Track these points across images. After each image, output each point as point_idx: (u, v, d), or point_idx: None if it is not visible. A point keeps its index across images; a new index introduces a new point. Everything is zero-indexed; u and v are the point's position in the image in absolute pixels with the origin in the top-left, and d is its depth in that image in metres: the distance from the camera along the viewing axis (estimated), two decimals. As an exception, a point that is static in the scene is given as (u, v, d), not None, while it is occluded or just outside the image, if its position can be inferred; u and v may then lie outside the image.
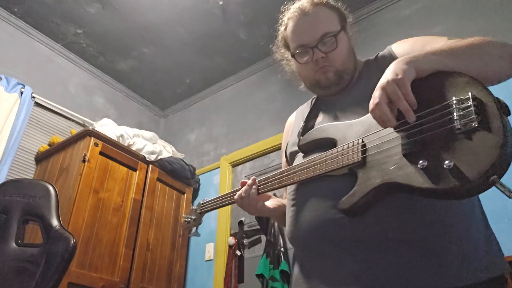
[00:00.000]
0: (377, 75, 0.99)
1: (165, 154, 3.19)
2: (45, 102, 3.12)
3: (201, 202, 1.36)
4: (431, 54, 0.81)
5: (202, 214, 1.36)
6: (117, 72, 3.74)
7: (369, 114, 0.86)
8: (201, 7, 3.07)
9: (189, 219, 1.37)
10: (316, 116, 1.12)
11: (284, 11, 1.15)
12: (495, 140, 0.64)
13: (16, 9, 3.09)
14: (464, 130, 0.68)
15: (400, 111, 0.76)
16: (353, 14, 3.15)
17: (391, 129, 0.81)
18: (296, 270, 0.98)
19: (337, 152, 0.90)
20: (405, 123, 0.77)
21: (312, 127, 1.08)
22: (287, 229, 1.01)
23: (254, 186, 1.10)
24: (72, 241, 1.39)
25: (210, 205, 1.32)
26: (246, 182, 1.12)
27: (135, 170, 2.90)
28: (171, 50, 3.48)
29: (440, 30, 2.60)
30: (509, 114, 0.70)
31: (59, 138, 3.02)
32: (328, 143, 0.96)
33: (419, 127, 0.75)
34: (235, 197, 1.12)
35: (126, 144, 2.98)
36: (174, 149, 3.42)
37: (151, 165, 3.04)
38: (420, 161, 0.71)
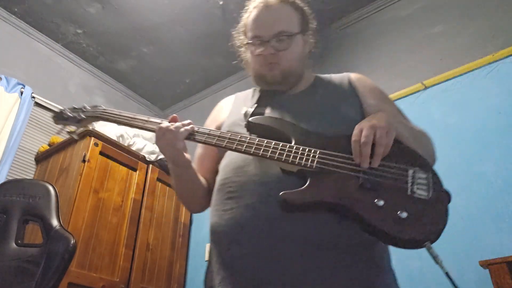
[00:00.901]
0: (335, 92, 1.08)
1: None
2: (45, 102, 3.12)
3: (101, 107, 1.15)
4: (408, 129, 0.95)
5: (95, 119, 1.15)
6: (117, 72, 3.74)
7: (333, 135, 0.93)
8: (201, 7, 3.07)
9: (73, 115, 1.14)
10: (265, 107, 1.08)
11: None
12: (439, 219, 0.79)
13: (16, 9, 3.09)
14: (415, 196, 0.80)
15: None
16: (353, 13, 3.19)
17: (351, 158, 0.86)
18: (219, 269, 0.90)
19: (293, 149, 0.89)
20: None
21: (261, 114, 1.04)
22: (219, 222, 0.93)
23: (188, 127, 1.00)
24: (72, 241, 1.39)
25: (111, 115, 1.11)
26: (176, 118, 1.03)
27: (135, 170, 2.90)
28: (171, 50, 3.48)
29: (440, 29, 2.60)
30: (449, 201, 0.82)
31: (59, 138, 3.01)
32: (281, 139, 0.93)
33: (379, 171, 0.83)
34: (161, 125, 0.99)
35: (126, 144, 2.98)
36: (174, 149, 3.42)
37: (151, 165, 3.03)
38: (377, 199, 0.79)
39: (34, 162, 2.96)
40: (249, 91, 1.22)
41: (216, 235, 0.95)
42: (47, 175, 2.77)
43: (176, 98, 4.08)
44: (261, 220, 0.86)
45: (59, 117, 1.19)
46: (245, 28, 1.14)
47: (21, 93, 2.90)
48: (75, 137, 1.21)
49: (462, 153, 2.11)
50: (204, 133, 0.99)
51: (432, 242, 0.76)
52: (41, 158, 2.95)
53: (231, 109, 1.18)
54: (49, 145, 3.01)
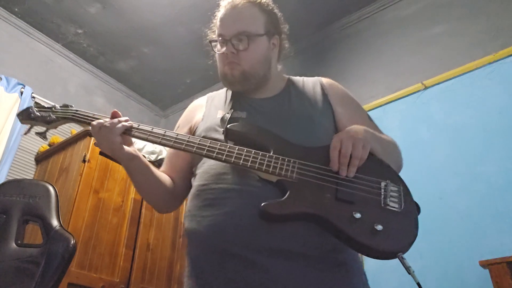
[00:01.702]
0: (309, 99, 1.09)
1: (165, 154, 3.18)
2: (45, 102, 3.12)
3: (72, 108, 1.10)
4: (379, 142, 0.97)
5: (66, 120, 1.09)
6: (117, 72, 3.74)
7: (310, 145, 0.94)
8: (201, 6, 3.07)
9: (42, 115, 1.09)
10: (239, 111, 1.07)
11: None
12: (411, 231, 0.82)
13: (16, 9, 3.09)
14: (388, 208, 0.83)
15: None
16: (355, 13, 3.18)
17: (328, 170, 0.88)
18: (194, 275, 0.91)
19: (273, 159, 0.89)
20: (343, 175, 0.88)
21: (237, 120, 1.03)
22: (197, 228, 0.92)
23: (125, 123, 0.98)
24: (72, 241, 1.39)
25: (84, 118, 1.05)
26: (117, 114, 1.01)
27: (135, 170, 2.89)
28: (171, 50, 3.48)
29: (440, 30, 2.60)
30: (419, 213, 0.86)
31: (59, 138, 3.02)
32: (259, 147, 0.92)
33: (355, 184, 0.86)
34: (94, 122, 0.98)
35: (126, 144, 2.97)
36: (174, 149, 3.42)
37: (151, 165, 3.03)
38: (354, 212, 0.81)
39: (34, 162, 2.96)
40: (222, 92, 1.21)
41: (193, 240, 0.95)
42: (47, 175, 2.77)
43: (176, 98, 4.08)
44: (241, 229, 0.86)
45: (26, 116, 1.10)
46: (215, 26, 1.14)
47: (21, 93, 2.90)
48: (44, 139, 1.15)
49: (463, 153, 2.11)
50: (151, 132, 0.98)
51: (404, 253, 0.80)
52: (41, 158, 2.95)
53: (205, 111, 1.15)
54: (49, 145, 3.01)
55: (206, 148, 0.93)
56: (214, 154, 0.92)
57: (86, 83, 3.59)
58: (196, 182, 1.01)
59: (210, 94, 1.24)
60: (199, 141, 0.95)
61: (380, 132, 1.08)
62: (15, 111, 2.82)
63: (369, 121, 1.10)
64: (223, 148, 0.92)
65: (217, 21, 1.12)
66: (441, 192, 2.04)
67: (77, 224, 2.37)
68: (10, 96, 2.82)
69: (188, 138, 0.96)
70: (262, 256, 0.84)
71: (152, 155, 3.05)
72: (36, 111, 1.10)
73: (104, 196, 2.60)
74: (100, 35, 3.34)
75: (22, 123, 1.12)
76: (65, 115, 1.08)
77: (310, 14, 3.09)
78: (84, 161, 2.54)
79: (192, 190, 1.02)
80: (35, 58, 3.25)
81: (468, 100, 2.25)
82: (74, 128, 3.22)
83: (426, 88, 2.43)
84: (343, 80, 2.68)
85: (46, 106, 1.12)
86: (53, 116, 1.09)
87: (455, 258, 1.86)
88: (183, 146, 0.95)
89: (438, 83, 2.40)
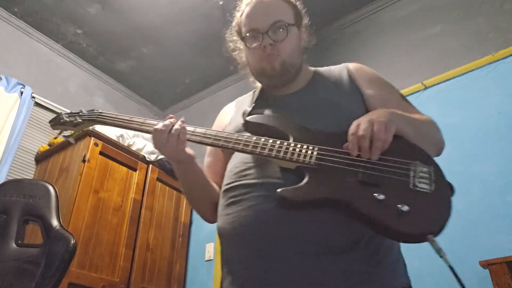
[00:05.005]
0: (335, 87, 1.07)
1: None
2: (45, 102, 3.12)
3: (97, 111, 1.16)
4: (409, 122, 0.92)
5: (91, 122, 1.14)
6: (116, 72, 3.74)
7: (332, 131, 0.92)
8: (201, 7, 3.07)
9: (70, 120, 1.17)
10: (264, 108, 1.07)
11: None
12: (443, 212, 0.77)
13: (16, 9, 3.09)
14: (417, 189, 0.78)
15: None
16: (353, 14, 3.18)
17: (348, 154, 0.85)
18: (227, 272, 0.91)
19: (291, 146, 0.88)
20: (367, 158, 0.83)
21: (257, 113, 1.04)
22: (224, 226, 0.94)
23: (182, 124, 0.99)
24: (72, 241, 1.39)
25: (108, 118, 1.11)
26: (173, 118, 1.02)
27: (135, 170, 2.90)
28: (170, 50, 3.48)
29: (439, 30, 2.60)
30: (453, 194, 0.81)
31: (59, 138, 3.01)
32: (280, 137, 0.92)
33: (380, 166, 0.82)
34: (156, 126, 0.99)
35: (126, 144, 2.98)
36: (174, 149, 3.42)
37: (151, 165, 3.03)
38: (377, 194, 0.77)
39: (34, 162, 2.96)
40: (249, 94, 1.21)
41: (222, 239, 0.95)
42: (47, 175, 2.77)
43: (175, 98, 4.08)
44: (263, 222, 0.85)
45: (56, 122, 1.20)
46: (239, 26, 1.13)
47: (21, 93, 2.90)
48: (72, 141, 1.23)
49: (462, 153, 2.11)
50: (201, 133, 0.99)
51: (435, 235, 0.75)
52: (41, 158, 2.95)
53: (233, 115, 1.17)
54: (49, 145, 3.01)
55: (223, 139, 0.95)
56: (231, 145, 0.93)
57: (86, 83, 3.59)
58: (223, 182, 1.02)
59: (238, 98, 1.25)
60: (216, 133, 0.97)
61: (416, 111, 1.04)
62: (15, 111, 2.82)
63: (402, 101, 1.06)
64: (240, 138, 0.93)
65: (242, 20, 1.11)
66: (440, 192, 2.04)
67: (77, 224, 2.37)
68: (10, 96, 2.82)
69: (205, 131, 0.99)
70: (285, 249, 0.82)
71: (152, 155, 3.05)
72: (66, 117, 1.18)
73: (104, 196, 2.61)
74: (100, 35, 3.34)
75: (53, 128, 1.23)
76: (90, 118, 1.15)
77: (308, 14, 3.09)
78: (84, 161, 2.54)
79: (220, 190, 1.03)
80: (35, 58, 3.25)
81: (467, 100, 2.25)
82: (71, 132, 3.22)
83: (426, 88, 2.43)
84: (343, 80, 2.68)
85: (74, 111, 1.20)
86: (79, 119, 1.16)
87: (455, 258, 1.85)
88: (199, 139, 0.98)
89: (438, 83, 2.40)
